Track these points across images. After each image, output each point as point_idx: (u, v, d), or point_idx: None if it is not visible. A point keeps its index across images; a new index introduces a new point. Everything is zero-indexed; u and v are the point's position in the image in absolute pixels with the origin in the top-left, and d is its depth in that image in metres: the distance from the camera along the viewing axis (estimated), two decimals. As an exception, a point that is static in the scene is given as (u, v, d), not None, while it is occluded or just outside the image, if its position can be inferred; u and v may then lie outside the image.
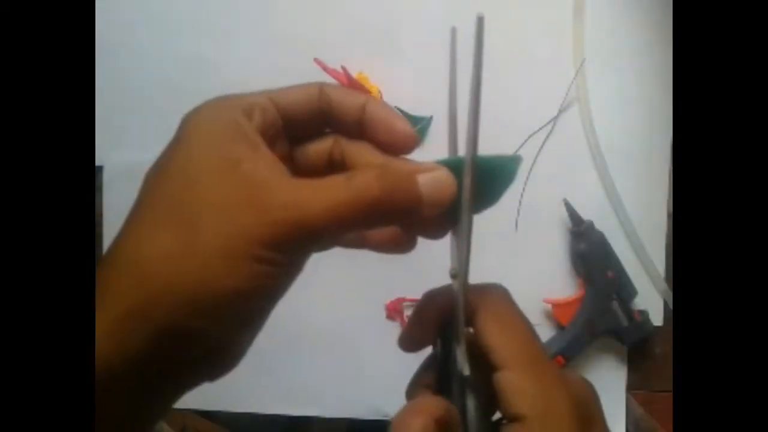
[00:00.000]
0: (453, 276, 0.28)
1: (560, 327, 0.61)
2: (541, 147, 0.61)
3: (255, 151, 0.24)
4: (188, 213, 0.24)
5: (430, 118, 0.61)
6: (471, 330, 0.28)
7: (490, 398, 0.27)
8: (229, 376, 0.27)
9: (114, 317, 0.23)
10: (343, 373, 0.63)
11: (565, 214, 0.60)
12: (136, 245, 0.24)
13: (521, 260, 0.61)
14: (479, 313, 0.27)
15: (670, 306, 0.61)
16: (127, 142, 0.62)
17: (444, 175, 0.26)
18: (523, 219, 0.61)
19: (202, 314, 0.23)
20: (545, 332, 0.62)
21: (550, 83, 0.61)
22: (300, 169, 0.29)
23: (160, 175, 0.25)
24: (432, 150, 0.61)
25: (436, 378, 0.29)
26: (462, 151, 0.27)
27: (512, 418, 0.25)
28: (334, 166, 0.29)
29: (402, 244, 0.29)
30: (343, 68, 0.59)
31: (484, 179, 0.26)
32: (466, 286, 0.27)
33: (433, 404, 0.26)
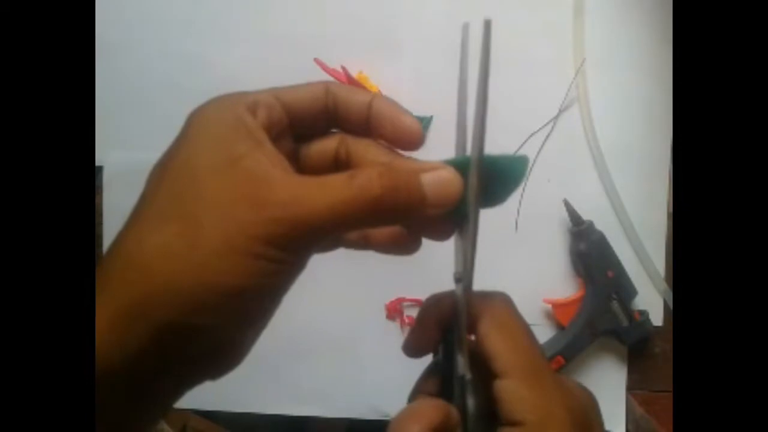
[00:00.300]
0: (457, 280, 0.28)
1: (560, 327, 0.61)
2: (541, 147, 0.61)
3: (258, 147, 0.24)
4: (190, 209, 0.24)
5: (430, 118, 0.61)
6: (473, 337, 0.28)
7: (490, 402, 0.27)
8: (230, 376, 0.27)
9: (114, 313, 0.23)
10: (343, 373, 0.63)
11: (565, 214, 0.60)
12: (138, 241, 0.24)
13: (521, 260, 0.61)
14: (482, 320, 0.27)
15: (670, 306, 0.61)
16: (127, 142, 0.62)
17: (449, 175, 0.25)
18: (523, 219, 0.61)
19: (203, 311, 0.23)
20: (545, 332, 0.62)
21: (550, 83, 0.61)
22: (305, 168, 0.29)
23: (163, 171, 0.25)
24: (432, 150, 0.61)
25: (438, 384, 0.29)
26: (470, 150, 0.26)
27: (511, 422, 0.26)
28: (339, 165, 0.29)
29: (407, 245, 0.29)
30: (343, 68, 0.59)
31: (492, 179, 0.26)
32: (469, 290, 0.27)
33: (431, 409, 0.26)
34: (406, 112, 0.28)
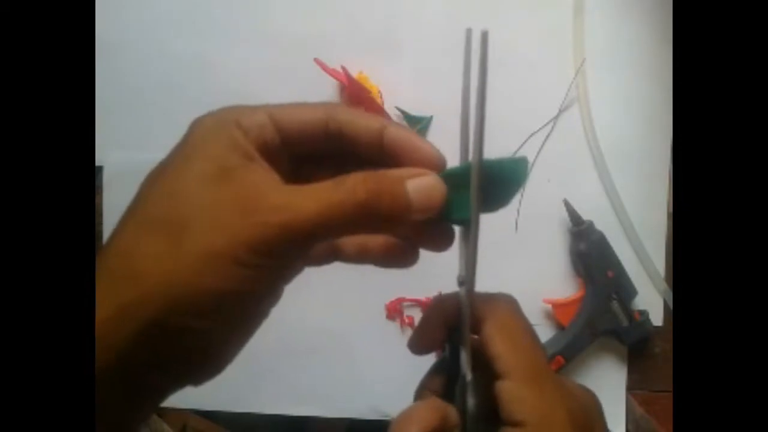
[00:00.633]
0: (460, 283, 0.28)
1: (560, 327, 0.61)
2: (541, 147, 0.61)
3: (249, 161, 0.25)
4: (180, 215, 0.24)
5: (430, 118, 0.61)
6: (476, 337, 0.28)
7: (491, 403, 0.27)
8: (230, 376, 0.27)
9: (104, 314, 0.23)
10: (343, 373, 0.63)
11: (565, 214, 0.60)
12: (129, 243, 0.24)
13: (521, 260, 0.61)
14: (486, 321, 0.28)
15: (670, 306, 0.61)
16: (127, 142, 0.62)
17: (433, 181, 0.26)
18: (523, 219, 0.61)
19: (188, 313, 0.23)
20: (545, 332, 0.62)
21: (550, 83, 0.61)
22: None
23: (158, 176, 0.25)
24: (432, 150, 0.61)
25: (443, 382, 0.29)
26: (471, 156, 0.27)
27: (511, 423, 0.26)
28: None
29: (404, 258, 0.29)
30: (343, 68, 0.59)
31: (493, 183, 0.26)
32: (472, 293, 0.28)
33: (428, 411, 0.26)
34: (424, 140, 0.27)
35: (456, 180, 0.26)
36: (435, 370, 0.31)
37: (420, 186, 0.25)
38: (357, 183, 0.24)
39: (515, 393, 0.26)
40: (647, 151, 0.61)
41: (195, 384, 0.26)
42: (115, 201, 0.63)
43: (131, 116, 0.63)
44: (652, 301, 0.61)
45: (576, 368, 0.61)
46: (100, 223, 0.62)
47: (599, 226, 0.60)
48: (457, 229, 0.29)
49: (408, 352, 0.31)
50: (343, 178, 0.25)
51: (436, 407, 0.27)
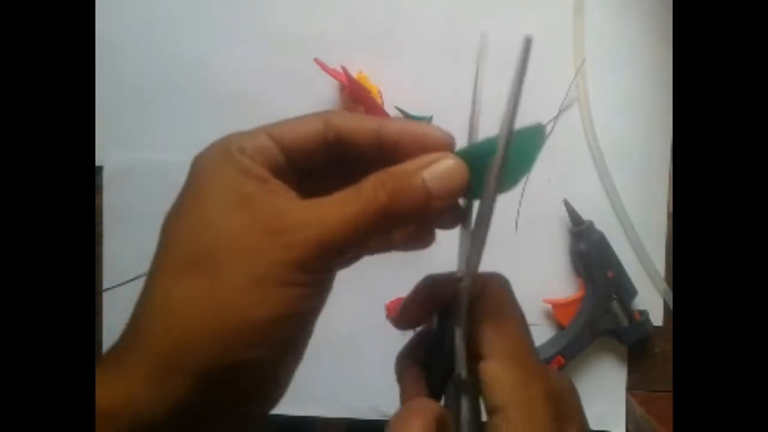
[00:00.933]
0: (459, 279, 0.28)
1: (560, 327, 0.61)
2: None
3: (264, 184, 0.25)
4: (208, 251, 0.23)
5: (430, 118, 0.61)
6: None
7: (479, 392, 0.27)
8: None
9: (149, 368, 0.23)
10: (343, 373, 0.63)
11: (565, 214, 0.60)
12: (163, 292, 0.24)
13: (521, 260, 0.61)
14: (476, 301, 0.27)
15: (670, 306, 0.61)
16: (127, 142, 0.62)
17: (450, 165, 0.25)
18: (523, 219, 0.61)
19: (239, 349, 0.23)
20: (545, 332, 0.62)
21: (550, 83, 0.61)
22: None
23: (176, 221, 0.25)
24: (432, 150, 0.61)
25: (427, 355, 0.30)
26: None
27: (492, 410, 0.26)
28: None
29: (423, 239, 0.29)
30: (343, 68, 0.59)
31: (510, 157, 0.26)
32: (472, 290, 0.27)
33: (431, 406, 0.26)
34: (423, 125, 0.27)
35: (474, 158, 0.26)
36: (418, 341, 0.31)
37: (437, 173, 0.25)
38: (376, 186, 0.24)
39: (496, 374, 0.26)
40: (647, 151, 0.61)
41: (262, 413, 0.26)
42: (115, 201, 0.63)
43: (131, 116, 0.63)
44: (652, 301, 0.61)
45: (576, 368, 0.61)
46: (100, 223, 0.62)
47: (599, 226, 0.60)
48: (451, 237, 0.29)
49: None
50: (361, 185, 0.25)
51: (436, 404, 0.27)
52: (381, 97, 0.60)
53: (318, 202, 0.24)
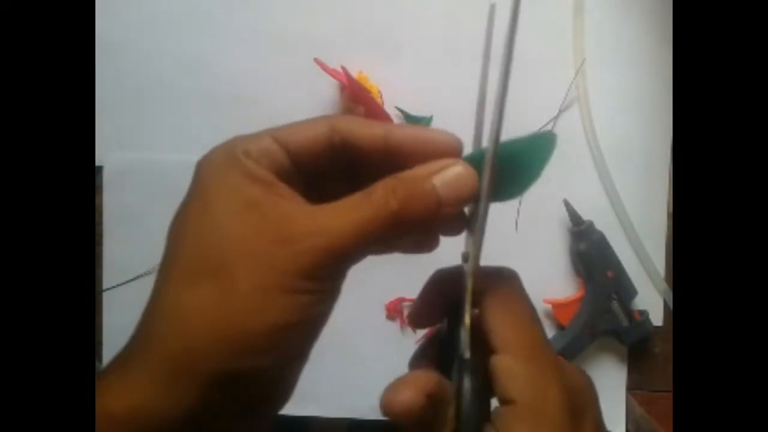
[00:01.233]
0: (464, 260, 0.28)
1: (560, 327, 0.61)
2: (541, 147, 0.61)
3: (271, 188, 0.24)
4: (218, 259, 0.23)
5: (430, 118, 0.61)
6: (477, 311, 0.28)
7: (487, 382, 0.27)
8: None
9: (159, 373, 0.23)
10: (343, 373, 0.63)
11: (565, 214, 0.60)
12: (174, 300, 0.24)
13: (521, 260, 0.61)
14: (485, 295, 0.27)
15: (670, 306, 0.61)
16: (127, 142, 0.62)
17: (460, 171, 0.25)
18: (523, 219, 0.61)
19: (246, 355, 0.23)
20: (545, 332, 0.62)
21: (550, 83, 0.61)
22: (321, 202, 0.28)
23: (183, 227, 0.25)
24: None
25: (439, 354, 0.29)
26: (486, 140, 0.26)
27: (504, 402, 0.26)
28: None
29: (428, 243, 0.29)
30: (343, 68, 0.59)
31: (513, 166, 0.26)
32: (476, 271, 0.27)
33: (424, 377, 0.26)
34: (431, 130, 0.27)
35: (476, 164, 0.26)
36: (430, 342, 0.31)
37: (448, 179, 0.25)
38: (387, 193, 0.24)
39: (509, 369, 0.26)
40: (647, 151, 0.61)
41: (270, 417, 0.26)
42: (115, 201, 0.63)
43: (131, 116, 0.63)
44: (652, 301, 0.61)
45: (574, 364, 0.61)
46: (100, 223, 0.62)
47: (599, 226, 0.60)
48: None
49: (408, 352, 0.31)
50: (370, 190, 0.24)
51: (432, 374, 0.27)
52: (381, 97, 0.60)
53: (327, 209, 0.24)
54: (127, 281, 0.60)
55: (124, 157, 0.62)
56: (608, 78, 0.61)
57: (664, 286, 0.61)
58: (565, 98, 0.61)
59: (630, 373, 0.62)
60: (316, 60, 0.59)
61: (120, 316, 0.22)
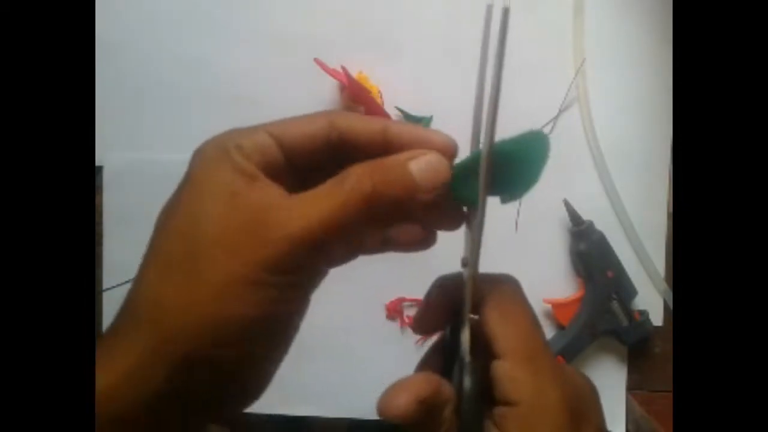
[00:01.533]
0: (464, 264, 0.28)
1: (560, 327, 0.61)
2: (541, 147, 0.61)
3: (253, 182, 0.25)
4: (195, 247, 0.24)
5: (430, 118, 0.61)
6: (477, 317, 0.28)
7: (488, 384, 0.27)
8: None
9: (130, 361, 0.23)
10: (343, 373, 0.63)
11: (565, 214, 0.60)
12: (150, 286, 0.24)
13: (521, 260, 0.61)
14: (486, 301, 0.28)
15: (670, 306, 0.61)
16: (127, 142, 0.62)
17: (436, 158, 0.26)
18: (523, 219, 0.61)
19: (217, 345, 0.23)
20: (545, 332, 0.61)
21: (550, 83, 0.61)
22: None
23: (169, 215, 0.25)
24: (432, 150, 0.61)
25: (443, 361, 0.30)
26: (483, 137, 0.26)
27: (505, 405, 0.26)
28: None
29: (424, 240, 0.29)
30: (343, 68, 0.59)
31: (510, 167, 0.26)
32: (475, 274, 0.27)
33: (421, 381, 0.26)
34: (429, 129, 0.27)
35: (473, 166, 0.26)
36: (435, 349, 0.31)
37: (424, 165, 0.25)
38: (361, 176, 0.24)
39: (510, 373, 0.26)
40: (647, 151, 0.61)
41: (240, 409, 0.26)
42: (115, 201, 0.63)
43: (131, 116, 0.63)
44: (652, 301, 0.61)
45: (576, 368, 0.61)
46: (100, 223, 0.62)
47: (599, 226, 0.60)
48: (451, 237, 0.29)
49: (408, 352, 0.31)
50: (344, 175, 0.24)
51: (430, 378, 0.27)
52: (381, 97, 0.60)
53: (301, 198, 0.24)
54: (127, 281, 0.60)
55: (124, 157, 0.62)
56: (608, 78, 0.61)
57: (664, 286, 0.61)
58: (565, 98, 0.61)
59: (630, 373, 0.62)
60: (316, 60, 0.59)
61: (120, 316, 0.23)
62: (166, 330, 0.23)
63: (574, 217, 0.59)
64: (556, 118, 0.61)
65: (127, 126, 0.63)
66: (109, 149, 0.62)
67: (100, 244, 0.61)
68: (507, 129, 0.26)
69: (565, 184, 0.61)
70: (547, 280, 0.62)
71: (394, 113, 0.61)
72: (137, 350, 0.23)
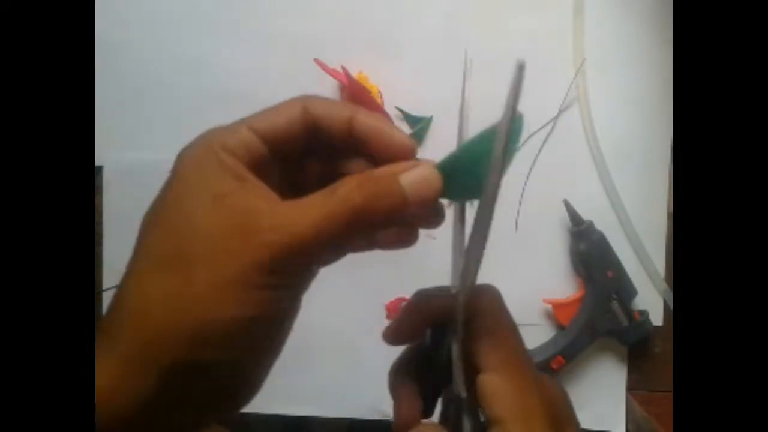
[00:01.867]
0: (454, 296, 0.28)
1: (560, 327, 0.61)
2: (541, 147, 0.61)
3: (242, 183, 0.25)
4: (183, 249, 0.24)
5: (430, 118, 0.61)
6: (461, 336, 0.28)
7: (474, 398, 0.27)
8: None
9: (120, 362, 0.23)
10: (343, 373, 0.63)
11: (565, 214, 0.60)
12: (136, 288, 0.24)
13: (521, 260, 0.61)
14: (469, 314, 0.28)
15: (670, 306, 0.61)
16: (127, 142, 0.62)
17: (427, 171, 0.26)
18: (523, 219, 0.61)
19: (205, 347, 0.23)
20: (545, 332, 0.62)
21: (550, 83, 0.61)
22: (301, 189, 0.28)
23: (156, 216, 0.25)
24: (433, 150, 0.61)
25: (419, 368, 0.30)
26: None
27: (492, 422, 0.26)
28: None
29: (407, 239, 0.29)
30: (343, 68, 0.59)
31: (468, 163, 0.26)
32: (466, 307, 0.28)
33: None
34: (393, 127, 0.27)
35: (453, 165, 0.26)
36: (411, 354, 0.31)
37: (414, 178, 0.25)
38: (352, 189, 0.24)
39: (494, 387, 0.26)
40: (647, 151, 0.61)
41: (233, 410, 0.26)
42: (115, 201, 0.63)
43: (131, 116, 0.63)
44: (652, 301, 0.61)
45: (576, 368, 0.61)
46: (100, 223, 0.62)
47: (599, 226, 0.60)
48: (451, 238, 0.29)
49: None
50: (336, 186, 0.25)
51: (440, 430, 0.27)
52: (381, 97, 0.60)
53: (291, 204, 0.24)
54: (127, 281, 0.60)
55: (124, 157, 0.62)
56: (608, 78, 0.61)
57: (664, 286, 0.61)
58: (565, 98, 0.61)
59: (630, 373, 0.62)
60: (316, 60, 0.59)
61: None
62: (157, 335, 0.23)
63: (574, 217, 0.59)
64: (556, 118, 0.61)
65: (127, 126, 0.63)
66: (109, 149, 0.62)
67: (100, 244, 0.61)
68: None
69: (565, 184, 0.61)
70: (547, 280, 0.62)
71: (394, 113, 0.61)
72: (126, 351, 0.23)
